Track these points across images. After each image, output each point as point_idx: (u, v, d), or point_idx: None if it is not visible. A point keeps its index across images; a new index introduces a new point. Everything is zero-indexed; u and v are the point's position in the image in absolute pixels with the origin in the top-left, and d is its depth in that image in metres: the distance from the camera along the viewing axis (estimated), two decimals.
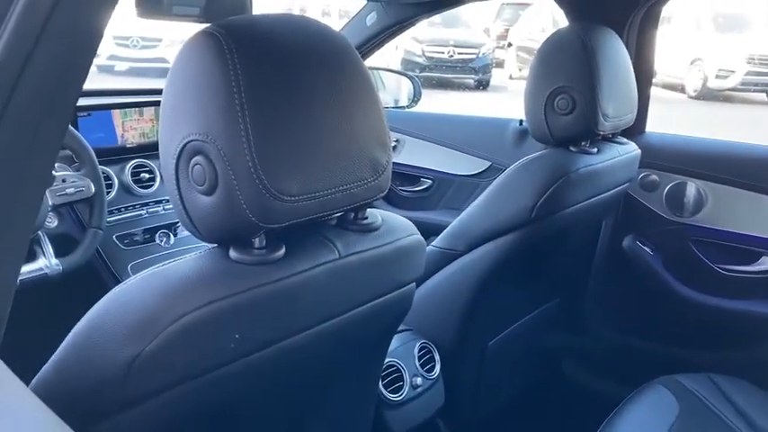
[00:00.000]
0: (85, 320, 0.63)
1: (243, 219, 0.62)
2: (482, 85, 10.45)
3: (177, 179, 0.64)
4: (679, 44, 10.08)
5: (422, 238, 0.84)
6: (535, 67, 1.29)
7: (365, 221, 0.76)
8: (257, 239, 0.66)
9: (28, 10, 0.52)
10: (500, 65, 11.39)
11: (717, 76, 9.77)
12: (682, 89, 10.14)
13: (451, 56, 10.22)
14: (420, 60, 10.09)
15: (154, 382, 0.60)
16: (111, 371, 0.59)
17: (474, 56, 10.32)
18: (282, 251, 0.68)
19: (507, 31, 12.40)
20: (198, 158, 0.62)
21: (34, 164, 0.58)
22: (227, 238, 0.67)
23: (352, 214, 0.76)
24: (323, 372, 0.83)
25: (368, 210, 0.77)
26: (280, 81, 0.63)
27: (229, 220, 0.63)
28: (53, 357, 0.64)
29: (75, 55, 0.57)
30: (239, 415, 0.74)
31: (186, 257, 0.67)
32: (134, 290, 0.63)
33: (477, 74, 10.41)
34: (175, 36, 8.26)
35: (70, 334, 0.63)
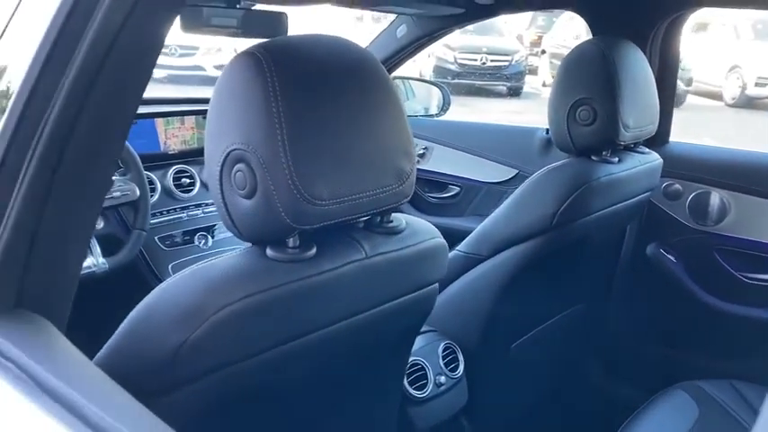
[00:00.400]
0: (138, 310, 0.70)
1: (279, 220, 0.69)
2: (514, 93, 10.44)
3: (221, 184, 0.71)
4: (717, 52, 9.93)
5: (444, 241, 0.90)
6: (558, 79, 1.33)
7: (390, 225, 0.82)
8: (291, 239, 0.73)
9: (101, 30, 0.60)
10: (533, 72, 11.37)
11: (756, 84, 9.61)
12: (719, 97, 9.99)
13: (484, 63, 10.24)
14: (452, 67, 10.14)
15: (198, 366, 0.67)
16: (161, 355, 0.66)
17: (507, 63, 10.32)
18: (314, 250, 0.74)
19: (540, 38, 12.39)
20: (240, 166, 0.69)
21: (100, 170, 0.66)
22: (265, 237, 0.73)
23: (379, 218, 0.82)
24: (351, 364, 0.89)
25: (393, 214, 0.83)
26: (313, 97, 0.69)
27: (267, 221, 0.70)
28: (108, 344, 0.71)
29: (137, 70, 0.65)
30: (273, 402, 0.81)
31: (227, 255, 0.74)
32: (181, 283, 0.70)
33: (509, 81, 10.41)
34: (211, 44, 8.46)
35: (124, 323, 0.70)
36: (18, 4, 0.68)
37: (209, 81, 7.65)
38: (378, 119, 0.74)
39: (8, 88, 0.66)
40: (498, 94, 10.45)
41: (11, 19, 0.68)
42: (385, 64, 1.92)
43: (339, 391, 0.92)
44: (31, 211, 0.63)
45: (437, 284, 0.93)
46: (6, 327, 0.60)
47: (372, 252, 0.79)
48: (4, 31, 0.69)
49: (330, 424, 0.94)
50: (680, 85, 9.28)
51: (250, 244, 0.76)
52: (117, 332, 0.70)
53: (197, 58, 8.49)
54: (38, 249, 0.64)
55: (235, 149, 0.69)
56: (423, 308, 0.93)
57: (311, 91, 0.69)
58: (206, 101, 1.95)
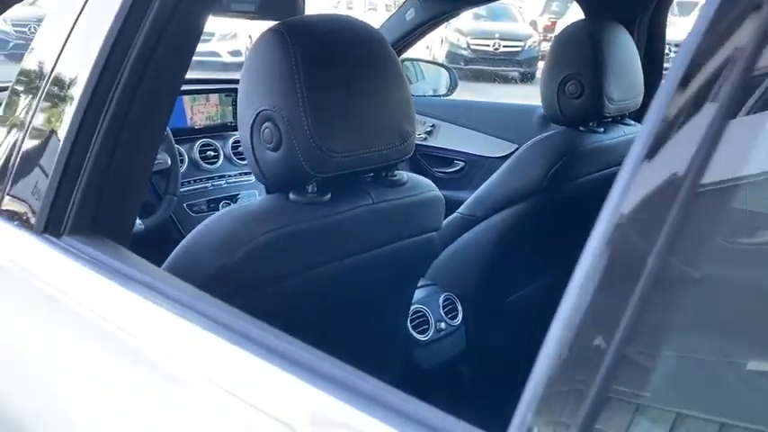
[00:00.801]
0: (186, 240, 0.86)
1: (300, 169, 0.84)
2: (527, 78, 10.48)
3: (251, 140, 0.86)
4: None
5: (440, 194, 1.04)
6: (550, 56, 1.47)
7: (394, 178, 0.97)
8: (310, 186, 0.88)
9: (155, 21, 0.76)
10: None
11: None
12: None
13: (497, 48, 10.28)
14: (465, 53, 10.19)
15: (236, 284, 0.83)
16: (207, 274, 0.81)
17: (520, 48, 10.36)
18: (329, 196, 0.89)
19: (554, 23, 12.38)
20: (267, 124, 0.84)
21: (153, 131, 0.81)
22: (287, 184, 0.89)
23: (384, 172, 0.96)
24: (364, 294, 1.04)
25: (396, 171, 0.98)
26: (329, 66, 0.84)
27: (290, 169, 0.85)
28: (162, 267, 0.87)
29: (181, 54, 0.80)
30: (300, 319, 0.96)
31: (257, 199, 0.89)
32: (221, 218, 0.86)
33: (522, 66, 10.44)
34: (226, 30, 8.59)
35: (175, 251, 0.86)
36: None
37: (225, 67, 7.80)
38: (383, 87, 0.89)
39: (79, 70, 0.82)
40: (511, 80, 10.49)
41: (82, 10, 0.83)
42: (395, 46, 2.06)
43: (355, 316, 1.06)
44: (103, 161, 0.80)
45: (435, 233, 1.07)
46: (90, 240, 0.76)
47: (378, 199, 0.94)
48: (75, 21, 0.84)
49: (350, 341, 1.09)
50: None
51: None
52: (169, 259, 0.86)
53: (212, 44, 8.60)
54: (107, 189, 0.80)
55: (263, 110, 0.84)
56: (422, 252, 1.08)
57: (327, 61, 0.84)
58: (228, 81, 2.11)
